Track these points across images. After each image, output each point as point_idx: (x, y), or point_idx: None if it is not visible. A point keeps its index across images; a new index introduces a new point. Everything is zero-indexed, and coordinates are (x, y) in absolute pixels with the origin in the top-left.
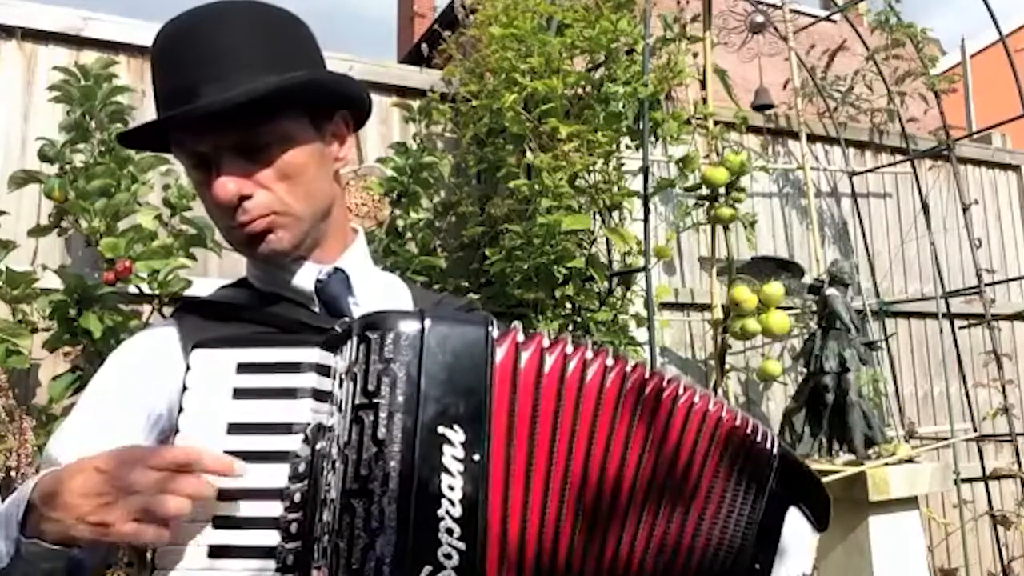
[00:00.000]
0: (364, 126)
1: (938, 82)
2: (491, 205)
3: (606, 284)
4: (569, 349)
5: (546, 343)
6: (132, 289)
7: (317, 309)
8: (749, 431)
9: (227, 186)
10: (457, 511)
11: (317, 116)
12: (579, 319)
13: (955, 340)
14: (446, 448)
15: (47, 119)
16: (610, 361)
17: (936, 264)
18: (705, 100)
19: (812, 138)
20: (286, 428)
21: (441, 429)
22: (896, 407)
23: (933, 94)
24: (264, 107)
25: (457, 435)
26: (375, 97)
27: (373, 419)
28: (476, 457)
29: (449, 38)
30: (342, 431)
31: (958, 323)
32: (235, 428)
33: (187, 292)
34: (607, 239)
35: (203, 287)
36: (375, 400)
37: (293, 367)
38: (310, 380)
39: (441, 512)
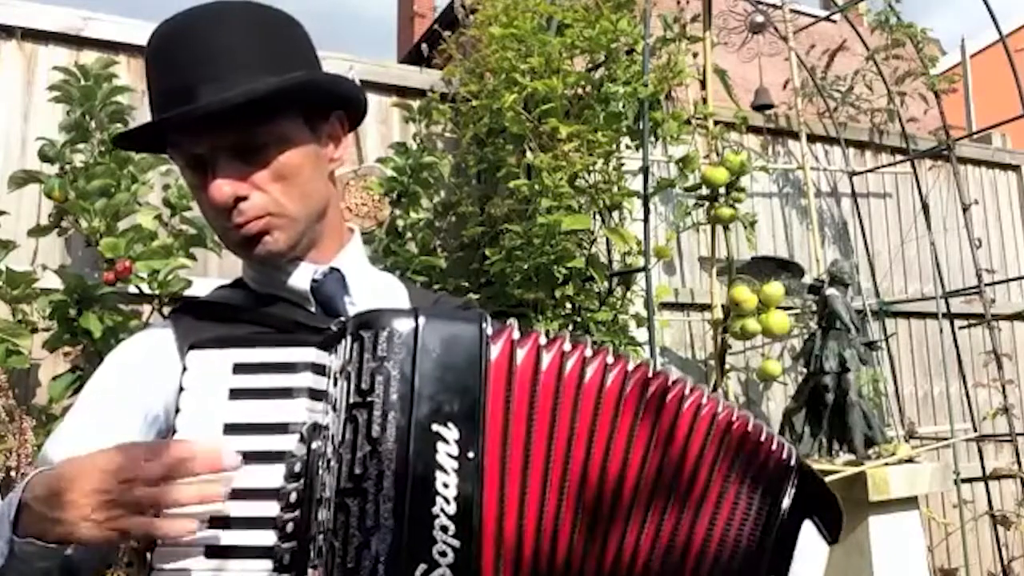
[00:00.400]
0: (362, 126)
1: (938, 82)
2: (491, 205)
3: (606, 284)
4: (567, 347)
5: (543, 341)
6: (132, 289)
7: (313, 309)
8: (763, 439)
9: (223, 188)
10: (452, 509)
11: (313, 117)
12: (579, 319)
13: (955, 340)
14: (440, 446)
15: (47, 119)
16: (610, 360)
17: (936, 264)
18: (705, 100)
19: (812, 138)
20: (282, 428)
21: (435, 427)
22: (896, 407)
23: (933, 94)
24: (263, 108)
25: (451, 433)
26: (375, 97)
27: (367, 418)
28: (471, 455)
29: (449, 38)
30: (337, 430)
31: (958, 323)
32: (231, 428)
33: (187, 292)
34: (607, 239)
35: (203, 287)
36: (369, 399)
37: (289, 367)
38: (306, 380)
39: (436, 510)
